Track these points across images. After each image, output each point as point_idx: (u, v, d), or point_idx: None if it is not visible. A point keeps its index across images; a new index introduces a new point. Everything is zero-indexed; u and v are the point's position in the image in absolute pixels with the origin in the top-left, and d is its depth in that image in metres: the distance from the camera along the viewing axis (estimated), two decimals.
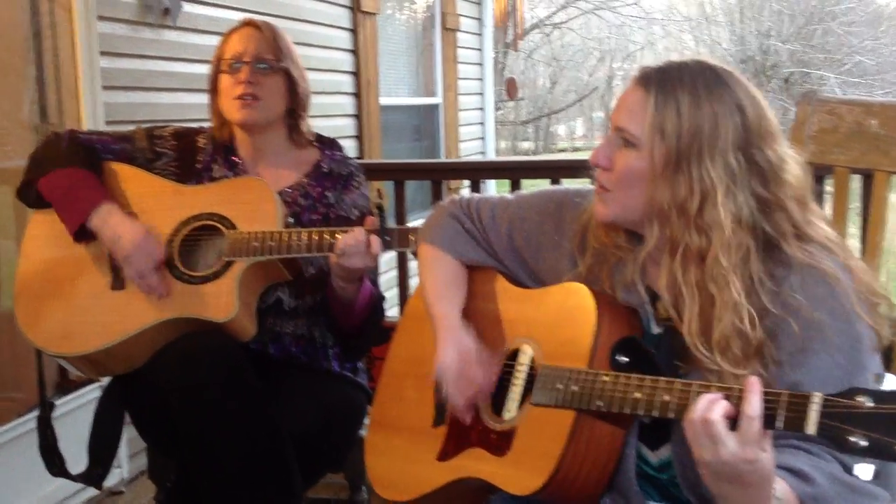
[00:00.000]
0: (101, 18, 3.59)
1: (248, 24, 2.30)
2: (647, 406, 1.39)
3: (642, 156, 1.50)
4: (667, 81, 1.49)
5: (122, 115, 3.73)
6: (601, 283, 1.62)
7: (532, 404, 1.59)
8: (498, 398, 1.71)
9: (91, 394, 3.34)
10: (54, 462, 2.27)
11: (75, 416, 3.30)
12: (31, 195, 2.24)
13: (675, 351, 1.51)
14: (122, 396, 2.21)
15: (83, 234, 2.16)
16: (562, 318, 1.62)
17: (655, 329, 1.59)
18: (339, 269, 2.11)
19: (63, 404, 3.27)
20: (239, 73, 2.23)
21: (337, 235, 2.08)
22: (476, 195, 1.89)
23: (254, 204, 2.16)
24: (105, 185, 2.22)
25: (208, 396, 2.00)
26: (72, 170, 2.19)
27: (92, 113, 3.52)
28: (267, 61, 2.25)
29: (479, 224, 1.84)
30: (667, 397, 1.37)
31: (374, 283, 2.30)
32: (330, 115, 5.62)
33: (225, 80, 2.25)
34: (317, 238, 2.09)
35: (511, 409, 1.67)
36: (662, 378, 1.38)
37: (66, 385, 3.31)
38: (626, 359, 1.45)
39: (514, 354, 1.71)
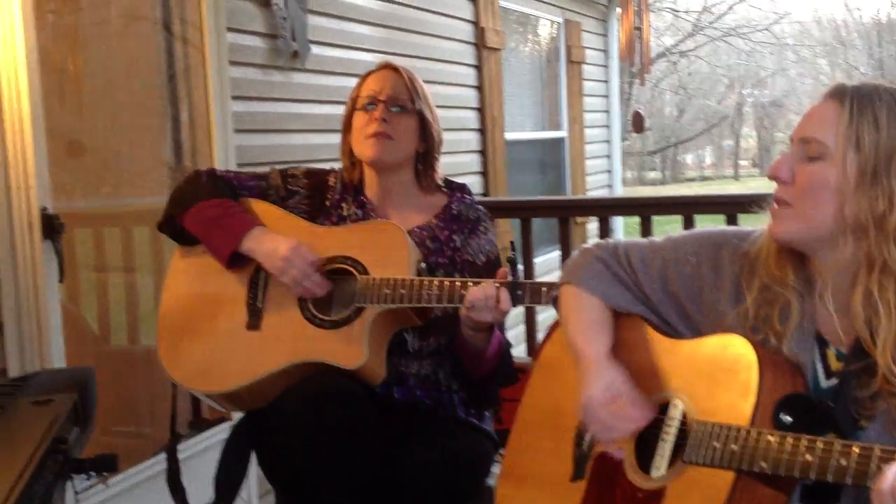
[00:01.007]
0: (233, 63, 3.67)
1: (385, 66, 2.33)
2: (820, 470, 1.27)
3: (832, 167, 1.47)
4: (863, 95, 1.49)
5: (253, 157, 3.80)
6: (769, 326, 1.53)
7: (684, 462, 1.49)
8: (644, 454, 1.61)
9: (222, 433, 3.36)
10: (177, 490, 2.29)
11: (205, 455, 3.33)
12: (173, 229, 2.27)
13: (855, 400, 1.42)
14: (250, 435, 2.21)
15: (236, 259, 2.17)
16: (719, 371, 1.52)
17: (825, 382, 1.47)
18: (467, 320, 2.08)
19: (193, 444, 3.30)
20: (373, 112, 2.24)
21: (469, 285, 2.05)
22: (622, 239, 1.83)
23: (387, 249, 2.15)
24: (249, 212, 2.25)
25: (331, 440, 1.98)
26: (216, 201, 2.22)
27: (224, 155, 3.59)
28: (402, 102, 2.26)
29: (629, 268, 1.76)
30: (844, 462, 1.25)
31: (502, 330, 2.23)
32: (455, 152, 5.62)
33: (359, 118, 2.27)
34: (448, 288, 2.07)
35: (660, 466, 1.57)
36: (838, 441, 1.25)
37: (199, 422, 3.35)
38: (790, 418, 1.35)
39: (661, 408, 1.61)
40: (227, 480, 2.21)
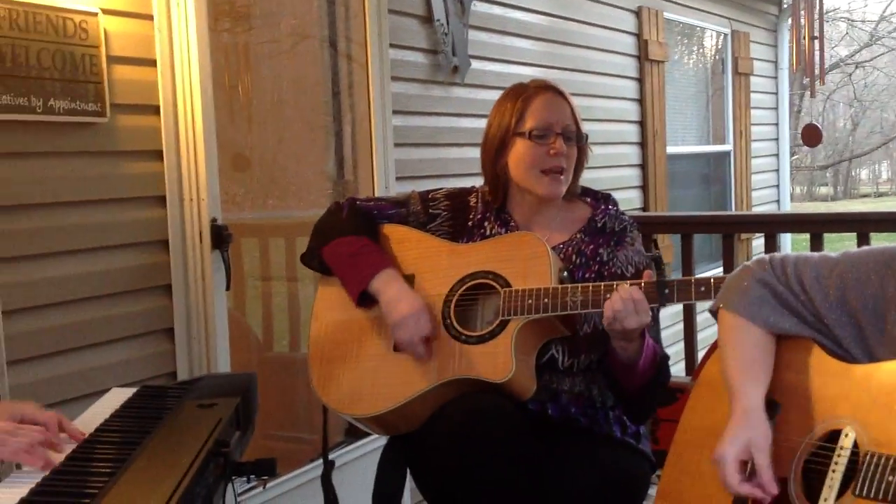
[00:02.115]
0: (395, 79, 3.73)
1: (548, 88, 2.26)
2: None
3: None
4: None
5: (412, 170, 3.85)
6: None
7: (855, 496, 1.40)
8: (811, 483, 1.52)
9: (376, 441, 3.42)
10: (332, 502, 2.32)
11: (359, 462, 3.38)
12: (314, 262, 2.32)
13: None
14: (404, 452, 2.22)
15: (364, 300, 2.20)
16: None
17: None
18: (613, 326, 2.02)
19: (348, 452, 3.36)
20: (551, 144, 2.19)
21: (613, 288, 2.00)
22: (791, 254, 1.72)
23: (527, 260, 2.13)
24: (384, 250, 2.26)
25: (485, 458, 1.96)
26: (354, 238, 2.25)
27: (384, 169, 3.65)
28: (573, 132, 2.23)
29: (799, 287, 1.66)
30: None
31: (657, 340, 2.16)
32: (614, 166, 5.53)
33: (527, 148, 2.21)
34: (592, 293, 2.03)
35: (828, 497, 1.48)
36: None
37: (354, 430, 3.40)
38: None
39: (830, 436, 1.52)
40: (385, 495, 2.23)
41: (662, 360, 2.16)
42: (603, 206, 2.30)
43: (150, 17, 2.71)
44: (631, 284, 2.01)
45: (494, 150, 2.26)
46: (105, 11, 2.55)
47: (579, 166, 2.27)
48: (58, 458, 1.49)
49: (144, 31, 2.70)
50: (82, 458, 1.52)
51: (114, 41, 2.59)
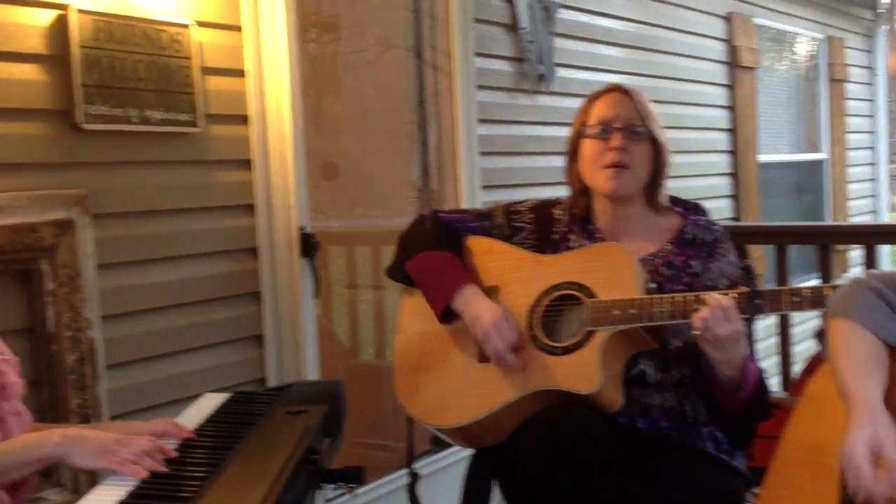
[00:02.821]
0: (480, 87, 3.73)
1: (614, 89, 2.23)
2: None
3: None
4: None
5: (497, 179, 3.84)
6: None
7: None
8: None
9: (462, 451, 3.40)
10: None
11: (445, 472, 3.37)
12: (400, 275, 2.32)
13: None
14: (490, 464, 2.20)
15: (447, 315, 2.19)
16: None
17: None
18: (705, 336, 1.95)
19: (434, 461, 3.35)
20: (609, 140, 2.15)
21: (703, 298, 1.94)
22: None
23: (612, 270, 2.08)
24: (467, 265, 2.25)
25: (572, 471, 1.92)
26: (437, 253, 2.24)
27: (469, 177, 3.64)
28: (637, 128, 2.16)
29: None
30: None
31: (750, 353, 2.09)
32: (704, 175, 5.42)
33: (590, 146, 2.18)
34: (681, 303, 1.97)
35: None
36: None
37: (440, 440, 3.39)
38: None
39: None
40: None
41: (762, 383, 2.09)
42: (693, 217, 2.24)
43: (240, 29, 2.76)
44: (720, 294, 1.95)
45: (570, 156, 2.24)
46: (198, 24, 2.60)
47: (659, 169, 2.20)
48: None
49: (234, 43, 2.75)
50: (178, 462, 1.55)
51: (206, 52, 2.64)
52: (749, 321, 2.05)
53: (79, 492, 2.18)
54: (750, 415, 2.08)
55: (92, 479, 2.21)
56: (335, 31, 4.30)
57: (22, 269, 2.19)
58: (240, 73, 2.76)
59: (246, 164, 2.78)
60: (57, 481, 2.21)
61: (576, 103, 2.27)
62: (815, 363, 1.77)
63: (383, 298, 4.00)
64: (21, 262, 2.17)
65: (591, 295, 2.07)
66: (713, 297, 1.94)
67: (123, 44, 2.40)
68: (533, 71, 4.03)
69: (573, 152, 2.23)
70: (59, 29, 2.28)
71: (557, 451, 1.94)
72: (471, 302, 2.15)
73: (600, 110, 2.18)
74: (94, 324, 2.28)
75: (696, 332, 1.95)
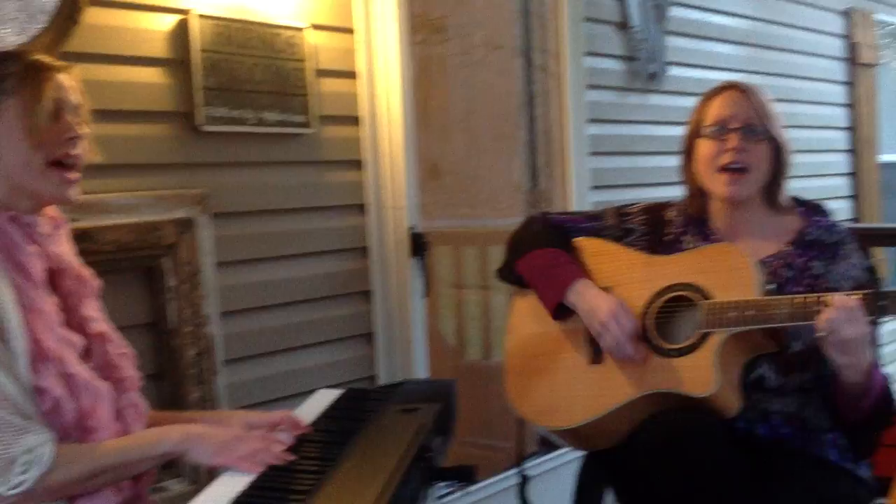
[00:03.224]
0: (590, 87, 3.69)
1: (732, 87, 2.16)
2: None
3: None
4: None
5: (607, 179, 3.79)
6: None
7: None
8: None
9: (572, 453, 3.36)
10: None
11: (555, 474, 3.34)
12: (510, 276, 2.31)
13: None
14: (603, 468, 2.17)
15: (561, 312, 2.17)
16: None
17: None
18: (829, 338, 1.88)
19: (544, 463, 3.33)
20: (725, 141, 2.09)
21: (824, 300, 1.87)
22: None
23: (728, 272, 2.03)
24: (579, 262, 2.22)
25: (690, 479, 1.88)
26: (547, 250, 2.22)
27: (578, 178, 3.61)
28: (755, 127, 2.10)
29: None
30: None
31: (876, 358, 2.01)
32: (821, 175, 5.24)
33: (706, 147, 2.12)
34: (800, 304, 1.90)
35: None
36: None
37: (549, 441, 3.37)
38: None
39: None
40: None
41: (887, 390, 2.01)
42: (815, 217, 2.17)
43: (353, 31, 2.79)
44: (842, 295, 1.88)
45: (685, 156, 2.19)
46: (313, 27, 2.64)
47: (779, 169, 2.13)
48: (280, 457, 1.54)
49: (347, 45, 2.79)
50: (296, 456, 1.57)
51: (320, 55, 2.68)
52: (874, 324, 1.98)
53: (198, 483, 2.24)
54: (874, 423, 2.01)
55: (210, 470, 2.27)
56: (442, 33, 4.32)
57: (146, 266, 2.26)
58: (352, 75, 2.80)
59: (357, 164, 2.82)
60: (177, 472, 2.28)
61: (688, 102, 2.22)
62: None
63: (490, 298, 4.00)
64: (145, 260, 2.25)
65: (706, 297, 2.03)
66: (837, 297, 1.87)
67: (242, 47, 2.46)
68: (644, 70, 3.97)
69: (688, 152, 2.18)
70: (181, 33, 2.35)
71: (675, 457, 1.90)
72: (585, 295, 2.12)
73: (716, 109, 2.13)
74: (212, 320, 2.34)
75: (819, 335, 1.88)
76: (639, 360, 2.05)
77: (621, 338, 2.05)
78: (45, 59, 1.58)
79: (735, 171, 2.08)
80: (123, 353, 1.68)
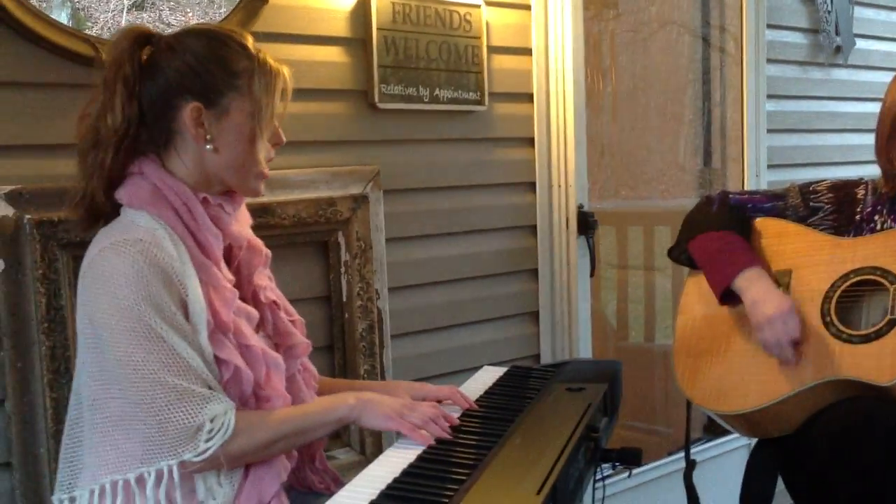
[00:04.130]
0: (770, 61, 3.54)
1: None
2: None
3: None
4: None
5: (785, 158, 3.64)
6: None
7: None
8: None
9: (738, 440, 3.28)
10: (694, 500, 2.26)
11: (720, 460, 3.27)
12: (682, 256, 2.27)
13: None
14: (775, 457, 2.10)
15: (728, 297, 2.11)
16: None
17: None
18: None
19: (708, 449, 3.26)
20: None
21: None
22: None
23: None
24: (756, 247, 2.16)
25: (870, 472, 1.82)
26: (722, 233, 2.17)
27: (755, 157, 3.48)
28: None
29: None
30: None
31: None
32: None
33: None
34: None
35: None
36: None
37: (714, 427, 3.30)
38: None
39: None
40: (756, 501, 2.13)
41: None
42: None
43: (529, 7, 2.78)
44: None
45: (886, 136, 2.07)
46: (487, 3, 2.65)
47: None
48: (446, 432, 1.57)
49: (522, 21, 2.77)
50: (462, 431, 1.60)
51: (493, 31, 2.68)
52: None
53: (365, 453, 2.31)
54: None
55: (377, 441, 2.34)
56: (614, 8, 4.23)
57: (321, 240, 2.33)
58: (526, 52, 2.79)
59: (529, 142, 2.81)
60: (346, 441, 2.35)
61: (877, 77, 2.11)
62: None
63: (653, 280, 3.92)
64: (321, 234, 2.31)
65: None
66: None
67: (417, 25, 2.50)
68: (829, 42, 3.77)
69: (891, 132, 2.07)
70: (361, 13, 2.40)
71: (854, 448, 1.84)
72: (754, 284, 2.06)
73: None
74: (382, 294, 2.40)
75: None
76: (801, 359, 1.99)
77: (781, 341, 2.00)
78: (271, 60, 1.59)
79: None
80: (293, 320, 1.72)
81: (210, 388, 1.48)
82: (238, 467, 1.51)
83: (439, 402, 1.74)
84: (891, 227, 2.07)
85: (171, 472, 1.44)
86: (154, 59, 1.56)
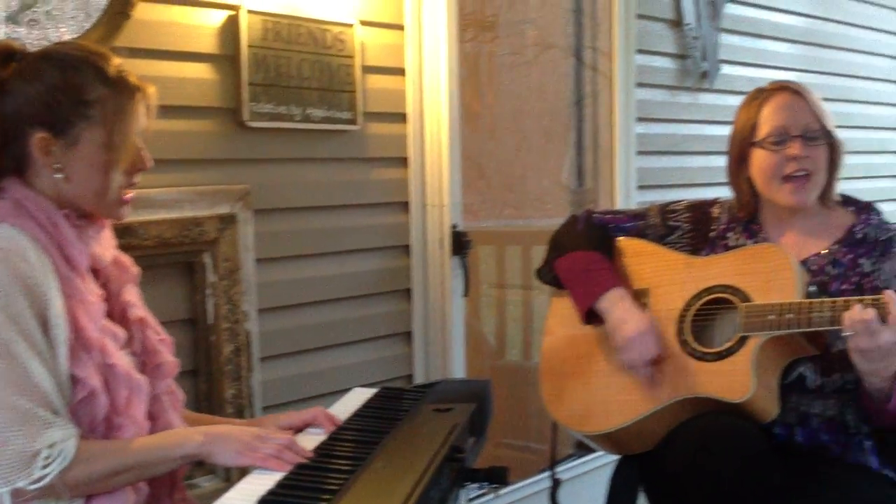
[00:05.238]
0: (640, 85, 3.65)
1: (783, 89, 2.12)
2: None
3: None
4: None
5: (654, 179, 3.75)
6: None
7: None
8: None
9: (606, 456, 3.34)
10: None
11: (591, 477, 3.32)
12: (548, 276, 2.31)
13: None
14: (637, 473, 2.15)
15: (592, 317, 2.16)
16: None
17: None
18: (852, 348, 1.85)
19: (577, 466, 3.31)
20: (787, 149, 2.05)
21: (867, 303, 1.85)
22: None
23: (770, 273, 2.00)
24: (617, 266, 2.21)
25: (724, 485, 1.87)
26: (586, 253, 2.21)
27: (625, 177, 3.58)
28: (816, 131, 2.07)
29: None
30: None
31: None
32: (874, 177, 5.13)
33: (766, 158, 2.09)
34: (842, 308, 1.87)
35: None
36: None
37: (584, 444, 3.36)
38: None
39: None
40: None
41: None
42: (865, 216, 2.13)
43: (402, 28, 2.79)
44: (878, 300, 1.84)
45: (735, 162, 2.16)
46: (362, 23, 2.65)
47: (832, 168, 2.10)
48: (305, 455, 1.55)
49: (396, 42, 2.78)
50: (325, 454, 1.58)
51: (367, 51, 2.68)
52: None
53: (230, 480, 2.26)
54: None
55: (241, 468, 2.28)
56: (493, 31, 4.30)
57: (186, 261, 2.28)
58: (400, 72, 2.80)
59: (402, 161, 2.82)
60: (210, 469, 2.30)
61: (739, 101, 2.18)
62: None
63: (532, 299, 3.98)
64: (186, 255, 2.26)
65: (746, 299, 2.00)
66: (857, 306, 1.84)
67: (290, 43, 2.47)
68: (696, 68, 3.92)
69: (740, 158, 2.14)
70: (230, 29, 2.36)
71: (710, 463, 1.88)
72: (616, 305, 2.11)
73: (773, 117, 2.08)
74: (250, 316, 2.36)
75: (845, 335, 1.86)
76: (659, 378, 2.04)
77: (639, 360, 2.05)
78: (134, 79, 1.56)
79: (799, 178, 2.06)
80: (162, 339, 1.69)
81: (55, 412, 1.43)
82: (79, 497, 1.46)
83: (306, 426, 1.71)
84: (744, 244, 2.14)
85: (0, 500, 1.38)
86: (10, 81, 1.53)
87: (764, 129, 2.09)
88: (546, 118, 3.92)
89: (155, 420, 1.61)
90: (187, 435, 1.56)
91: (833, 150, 2.09)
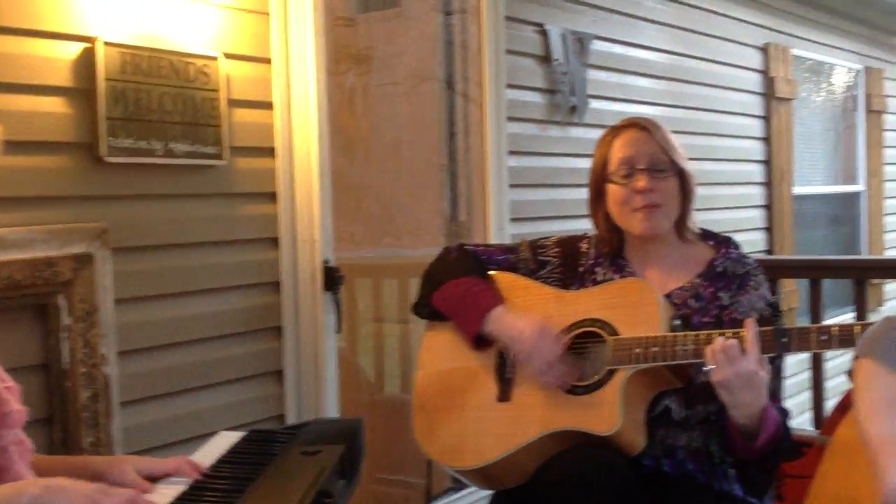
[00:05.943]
0: (512, 119, 3.70)
1: (632, 125, 2.17)
2: None
3: None
4: None
5: (527, 211, 3.80)
6: None
7: None
8: None
9: (480, 492, 3.34)
10: None
11: None
12: (425, 310, 2.29)
13: None
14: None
15: (481, 341, 2.14)
16: None
17: None
18: (715, 381, 1.89)
19: (457, 499, 3.29)
20: (635, 182, 2.10)
21: (728, 336, 1.90)
22: None
23: (636, 307, 2.04)
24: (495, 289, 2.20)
25: None
26: (464, 279, 2.20)
27: (498, 209, 3.61)
28: (662, 164, 2.12)
29: None
30: None
31: (776, 392, 2.05)
32: (738, 207, 5.34)
33: (617, 191, 2.13)
34: (704, 341, 1.92)
35: None
36: None
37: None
38: None
39: None
40: None
41: (783, 426, 2.02)
42: (724, 250, 2.19)
43: (269, 61, 2.75)
44: (738, 334, 1.89)
45: (594, 198, 2.20)
46: (226, 56, 2.59)
47: (685, 200, 2.16)
48: None
49: (263, 75, 2.74)
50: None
51: (233, 84, 2.63)
52: (775, 360, 2.00)
53: None
54: (767, 461, 2.02)
55: None
56: (369, 63, 4.30)
57: (38, 304, 2.17)
58: (267, 106, 2.75)
59: (271, 196, 2.77)
60: None
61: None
62: (848, 400, 1.69)
63: (409, 332, 3.96)
64: (38, 297, 2.15)
65: (614, 332, 2.03)
66: (718, 339, 1.89)
67: (150, 76, 2.40)
68: (565, 102, 4.00)
69: (598, 194, 2.19)
70: (86, 62, 2.28)
71: (580, 495, 1.89)
72: (504, 321, 2.10)
73: (621, 151, 2.14)
74: (109, 360, 2.26)
75: (707, 368, 1.90)
76: (563, 387, 2.03)
77: (546, 367, 2.03)
78: None
79: (648, 206, 2.10)
80: (8, 386, 1.60)
81: None
82: None
83: (167, 476, 1.64)
84: (611, 278, 2.18)
85: None
86: None
87: (613, 164, 2.13)
88: (424, 149, 3.93)
89: (2, 473, 1.51)
90: (22, 487, 1.46)
91: (684, 181, 2.14)
